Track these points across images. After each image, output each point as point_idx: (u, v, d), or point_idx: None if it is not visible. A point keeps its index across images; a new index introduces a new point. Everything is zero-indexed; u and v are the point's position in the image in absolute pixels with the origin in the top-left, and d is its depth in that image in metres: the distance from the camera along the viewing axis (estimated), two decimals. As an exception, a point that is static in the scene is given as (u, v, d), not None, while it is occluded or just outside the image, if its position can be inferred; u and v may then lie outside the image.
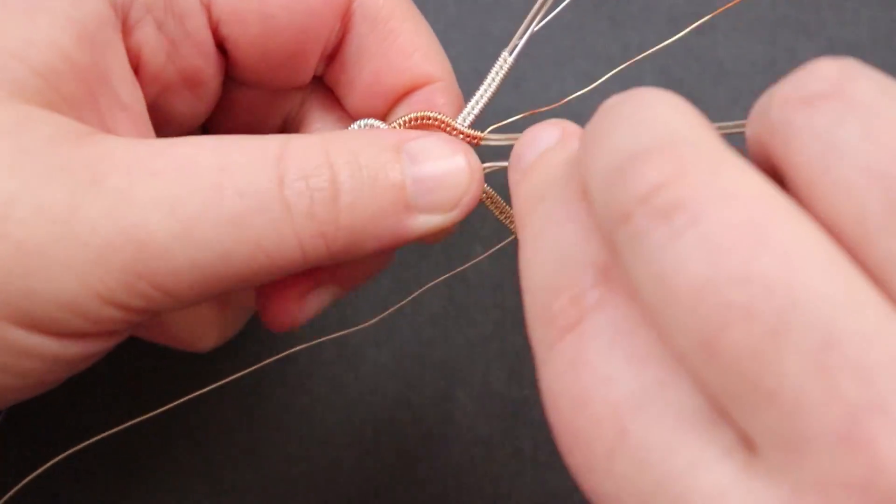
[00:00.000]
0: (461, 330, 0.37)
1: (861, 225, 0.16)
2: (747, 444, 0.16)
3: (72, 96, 0.23)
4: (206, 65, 0.27)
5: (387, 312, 0.31)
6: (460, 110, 0.27)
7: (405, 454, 0.36)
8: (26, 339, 0.21)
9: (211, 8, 0.26)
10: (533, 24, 0.26)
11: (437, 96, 0.27)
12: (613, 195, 0.17)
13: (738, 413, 0.16)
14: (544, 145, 0.22)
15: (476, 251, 0.37)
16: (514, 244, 0.31)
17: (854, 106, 0.16)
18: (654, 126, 0.18)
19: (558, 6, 0.27)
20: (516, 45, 0.27)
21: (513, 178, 0.23)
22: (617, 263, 0.18)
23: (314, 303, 0.27)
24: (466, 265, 0.31)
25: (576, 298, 0.18)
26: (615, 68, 0.38)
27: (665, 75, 0.37)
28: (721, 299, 0.15)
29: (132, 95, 0.25)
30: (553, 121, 0.23)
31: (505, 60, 0.27)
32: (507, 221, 0.28)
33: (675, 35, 0.37)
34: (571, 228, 0.19)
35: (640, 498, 0.16)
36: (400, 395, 0.37)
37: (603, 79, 0.26)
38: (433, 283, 0.31)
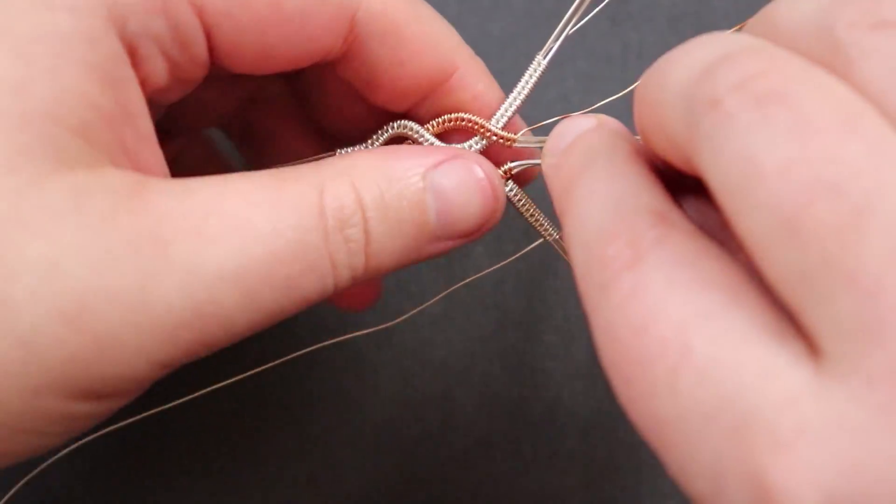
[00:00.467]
0: (461, 330, 0.37)
1: None
2: (814, 353, 0.16)
3: (104, 143, 0.23)
4: (202, 72, 0.27)
5: (399, 320, 0.31)
6: (486, 78, 0.27)
7: (405, 454, 0.36)
8: (79, 408, 0.22)
9: (211, 36, 0.26)
10: (568, 28, 0.27)
11: (468, 84, 0.27)
12: (700, 89, 0.17)
13: (810, 303, 0.16)
14: (582, 130, 0.23)
15: (476, 252, 0.37)
16: (515, 249, 0.31)
17: None
18: (739, 38, 0.18)
19: (584, 13, 0.27)
20: (550, 49, 0.27)
21: (549, 162, 0.23)
22: (671, 212, 0.19)
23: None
24: (474, 276, 0.31)
25: (633, 241, 0.18)
26: (615, 68, 0.38)
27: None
28: (810, 175, 0.15)
29: (148, 125, 0.25)
30: (587, 114, 0.24)
31: (539, 63, 0.27)
32: (536, 224, 0.28)
33: (675, 35, 0.37)
34: (625, 182, 0.20)
35: (705, 415, 0.16)
36: (400, 395, 0.37)
37: (628, 89, 0.26)
38: (444, 293, 0.31)
